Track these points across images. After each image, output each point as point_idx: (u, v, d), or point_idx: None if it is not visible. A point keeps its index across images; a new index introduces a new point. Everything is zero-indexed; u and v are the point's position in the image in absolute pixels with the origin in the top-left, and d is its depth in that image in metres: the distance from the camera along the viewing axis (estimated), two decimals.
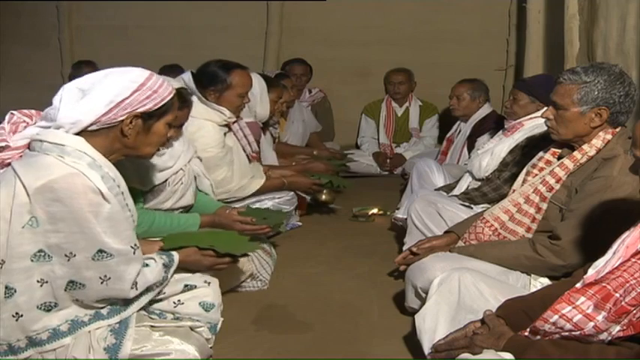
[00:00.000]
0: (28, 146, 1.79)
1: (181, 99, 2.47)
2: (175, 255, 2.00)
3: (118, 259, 1.74)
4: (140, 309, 1.94)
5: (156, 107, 1.83)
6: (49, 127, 1.78)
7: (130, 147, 1.86)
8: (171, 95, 1.89)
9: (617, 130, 2.23)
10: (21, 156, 1.78)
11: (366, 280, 2.98)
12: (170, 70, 4.55)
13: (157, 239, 2.17)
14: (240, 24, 5.97)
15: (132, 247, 1.79)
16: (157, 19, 6.02)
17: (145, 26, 6.05)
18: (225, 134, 3.21)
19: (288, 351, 2.29)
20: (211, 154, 3.06)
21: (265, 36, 5.99)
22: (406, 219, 3.12)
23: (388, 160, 5.34)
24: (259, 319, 2.56)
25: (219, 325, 2.14)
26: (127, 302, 1.84)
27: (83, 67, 5.52)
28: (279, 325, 2.52)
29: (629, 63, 3.14)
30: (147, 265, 1.87)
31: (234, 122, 3.29)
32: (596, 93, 2.17)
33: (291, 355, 2.26)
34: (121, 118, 1.78)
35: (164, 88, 1.86)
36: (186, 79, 3.09)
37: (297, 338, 2.40)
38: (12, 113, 1.85)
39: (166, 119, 1.90)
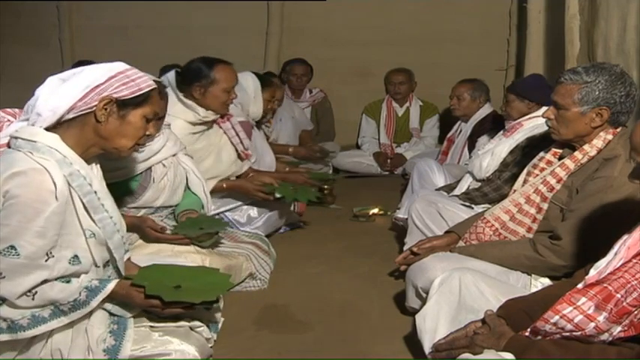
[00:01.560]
0: (8, 144, 1.79)
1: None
2: (110, 283, 1.82)
3: (23, 261, 1.68)
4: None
5: (132, 95, 1.83)
6: (27, 120, 1.80)
7: (105, 137, 1.83)
8: (150, 88, 1.88)
9: (618, 130, 2.23)
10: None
11: (366, 280, 2.98)
12: (170, 70, 4.54)
13: (135, 264, 2.08)
14: (241, 24, 5.97)
15: (47, 253, 1.71)
16: (157, 19, 6.02)
17: (145, 26, 6.05)
18: (205, 131, 3.19)
19: (288, 351, 2.29)
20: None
21: (266, 36, 5.99)
22: (407, 219, 3.12)
23: (389, 160, 5.35)
24: (260, 319, 2.56)
25: (219, 325, 2.15)
26: (30, 323, 1.73)
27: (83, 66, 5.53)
28: (280, 325, 2.52)
29: (630, 63, 3.14)
30: (68, 281, 1.77)
31: (225, 119, 3.29)
32: (597, 93, 2.17)
33: (291, 355, 2.26)
34: (95, 103, 1.78)
35: (142, 80, 1.87)
36: (170, 77, 3.11)
37: (298, 338, 2.40)
38: None
39: (143, 111, 1.88)
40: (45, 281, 1.73)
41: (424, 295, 2.21)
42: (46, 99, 1.78)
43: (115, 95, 1.81)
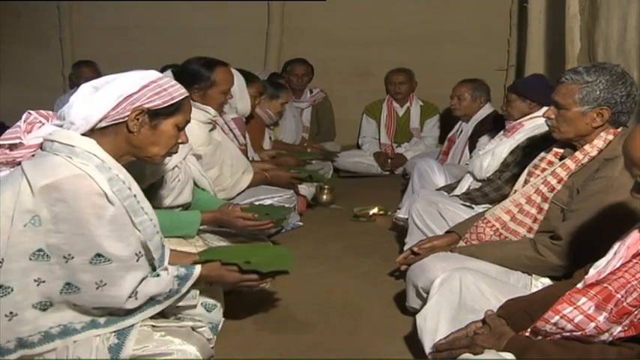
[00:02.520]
0: (41, 146, 1.79)
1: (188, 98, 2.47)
2: (196, 269, 1.92)
3: (116, 264, 1.72)
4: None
5: (164, 105, 1.84)
6: (61, 126, 1.79)
7: (137, 146, 1.85)
8: (182, 97, 1.90)
9: (619, 130, 2.23)
10: (33, 155, 1.78)
11: (367, 280, 2.98)
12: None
13: (194, 253, 2.13)
14: (241, 24, 5.98)
15: (136, 254, 1.77)
16: (157, 19, 6.02)
17: (145, 26, 6.05)
18: (211, 131, 3.20)
19: (289, 351, 2.29)
20: (200, 154, 3.06)
21: (266, 36, 5.99)
22: (407, 219, 3.12)
23: (389, 160, 5.35)
24: (260, 319, 2.56)
25: (220, 325, 2.15)
26: (128, 312, 1.81)
27: (82, 67, 5.54)
28: (281, 325, 2.52)
29: (630, 63, 3.13)
30: (158, 275, 1.84)
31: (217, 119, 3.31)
32: (598, 93, 2.17)
33: (292, 355, 2.26)
34: (128, 113, 1.79)
35: (175, 89, 1.88)
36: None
37: (299, 338, 2.40)
38: (29, 112, 1.85)
39: (175, 120, 1.89)
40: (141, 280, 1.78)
41: (425, 295, 2.21)
42: (80, 107, 1.78)
43: (147, 105, 1.81)
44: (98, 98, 1.78)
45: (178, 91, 1.89)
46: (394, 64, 5.58)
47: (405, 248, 2.86)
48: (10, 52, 6.22)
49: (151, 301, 1.83)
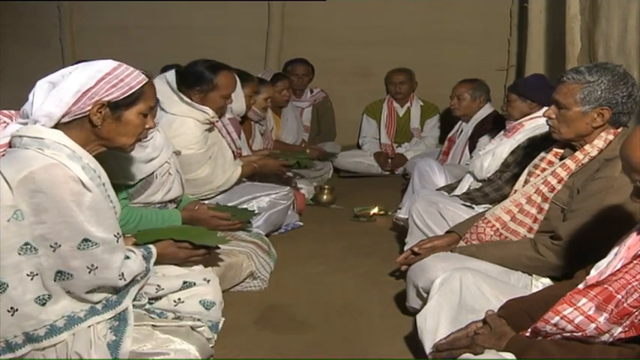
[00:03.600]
0: (10, 144, 1.80)
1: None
2: (153, 248, 2.03)
3: (102, 247, 1.75)
4: (140, 308, 1.94)
5: (123, 96, 1.84)
6: (26, 123, 1.80)
7: (104, 138, 1.87)
8: (141, 84, 1.88)
9: (619, 130, 2.23)
10: (4, 154, 1.79)
11: (367, 280, 2.98)
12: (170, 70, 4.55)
13: (129, 235, 2.18)
14: (241, 24, 5.97)
15: (115, 235, 1.80)
16: (158, 19, 6.01)
17: (145, 26, 6.04)
18: (208, 131, 3.21)
19: (289, 351, 2.29)
20: (192, 152, 3.07)
21: (266, 36, 5.98)
22: (407, 219, 3.12)
23: (389, 160, 5.34)
24: (260, 319, 2.56)
25: (220, 324, 2.15)
26: (118, 295, 1.85)
27: None
28: (281, 325, 2.52)
29: (631, 63, 3.13)
30: (127, 257, 1.87)
31: (217, 121, 3.31)
32: (599, 93, 2.16)
33: (292, 355, 2.26)
34: (89, 108, 1.79)
35: (132, 77, 1.86)
36: (170, 77, 3.10)
37: (299, 338, 2.40)
38: None
39: (138, 108, 1.89)
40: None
41: (425, 295, 2.20)
42: (39, 104, 1.78)
43: (106, 98, 1.81)
44: (56, 95, 1.78)
45: (136, 79, 1.87)
46: (394, 64, 5.58)
47: (406, 248, 2.86)
48: (10, 52, 6.22)
49: (133, 280, 1.88)
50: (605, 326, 1.50)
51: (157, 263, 2.04)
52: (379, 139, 5.51)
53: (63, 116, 1.78)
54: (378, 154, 5.37)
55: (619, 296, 1.48)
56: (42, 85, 1.82)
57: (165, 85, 3.05)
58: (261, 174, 3.67)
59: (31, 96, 1.82)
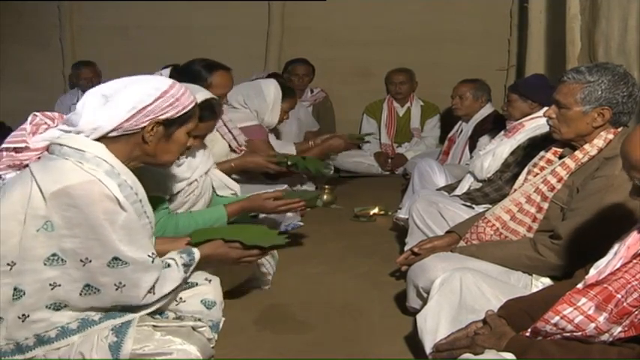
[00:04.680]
0: (47, 149, 1.79)
1: (210, 109, 2.50)
2: (196, 252, 1.99)
3: (133, 266, 1.74)
4: None
5: (178, 115, 1.85)
6: (69, 132, 1.78)
7: (150, 154, 1.87)
8: (193, 104, 1.90)
9: (619, 129, 2.23)
10: (39, 158, 1.78)
11: (367, 280, 2.97)
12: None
13: (184, 236, 2.18)
14: (241, 24, 5.97)
15: (149, 255, 1.78)
16: (158, 19, 6.01)
17: (145, 26, 6.04)
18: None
19: (289, 351, 2.29)
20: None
21: (266, 36, 5.99)
22: (407, 219, 3.12)
23: (389, 160, 5.35)
24: (261, 319, 2.56)
25: (220, 324, 2.14)
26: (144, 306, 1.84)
27: (82, 67, 5.55)
28: (281, 325, 2.52)
29: (631, 63, 3.13)
30: (168, 265, 1.87)
31: None
32: (599, 93, 2.16)
33: (293, 355, 2.26)
34: (143, 125, 1.79)
35: (186, 97, 1.88)
36: (165, 74, 3.09)
37: (299, 338, 2.40)
38: (35, 114, 1.85)
39: (187, 127, 1.91)
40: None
41: (425, 295, 2.21)
42: (90, 118, 1.76)
43: (162, 117, 1.81)
44: (110, 110, 1.77)
45: (189, 99, 1.89)
46: (394, 64, 5.58)
47: (406, 248, 2.86)
48: (10, 52, 6.21)
49: (163, 297, 1.86)
50: (605, 326, 1.50)
51: (207, 265, 2.03)
52: (379, 139, 5.50)
53: (112, 131, 1.77)
54: (378, 154, 5.37)
55: (619, 296, 1.48)
56: (93, 96, 1.80)
57: None
58: (253, 172, 3.58)
59: (79, 106, 1.80)
